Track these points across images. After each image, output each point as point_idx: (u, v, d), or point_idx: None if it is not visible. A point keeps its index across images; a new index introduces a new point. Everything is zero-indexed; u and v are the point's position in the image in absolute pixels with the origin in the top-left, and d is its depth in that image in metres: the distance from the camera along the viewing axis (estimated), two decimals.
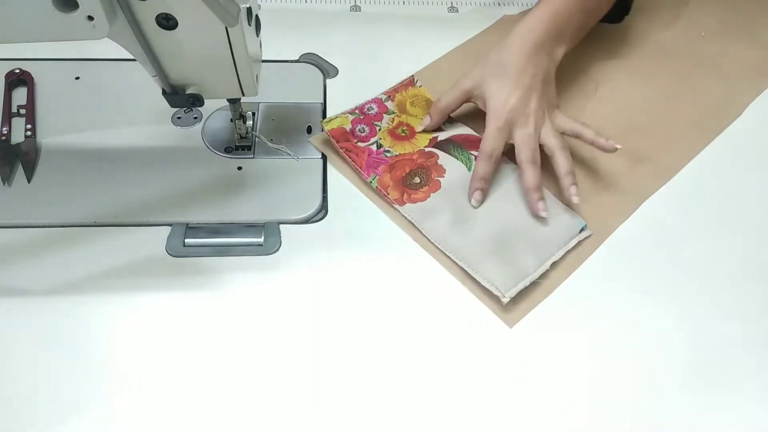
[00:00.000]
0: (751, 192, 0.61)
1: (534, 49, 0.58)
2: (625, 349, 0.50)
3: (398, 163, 0.59)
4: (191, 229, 0.54)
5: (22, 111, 0.61)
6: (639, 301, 0.52)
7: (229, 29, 0.46)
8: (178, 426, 0.44)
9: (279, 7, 0.76)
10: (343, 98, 0.65)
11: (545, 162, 0.56)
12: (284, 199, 0.57)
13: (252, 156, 0.60)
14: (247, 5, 0.47)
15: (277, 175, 0.59)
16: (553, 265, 0.53)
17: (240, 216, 0.55)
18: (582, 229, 0.55)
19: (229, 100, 0.56)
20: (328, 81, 0.68)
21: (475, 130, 0.62)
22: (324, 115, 0.64)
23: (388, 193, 0.57)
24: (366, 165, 0.59)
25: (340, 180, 0.59)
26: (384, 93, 0.65)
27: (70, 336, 0.48)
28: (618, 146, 0.56)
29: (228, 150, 0.60)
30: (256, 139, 0.61)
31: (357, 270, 0.53)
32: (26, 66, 0.65)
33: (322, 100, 0.66)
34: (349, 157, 0.59)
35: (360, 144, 0.60)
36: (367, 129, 0.62)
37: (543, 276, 0.52)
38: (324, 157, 0.61)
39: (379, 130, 0.62)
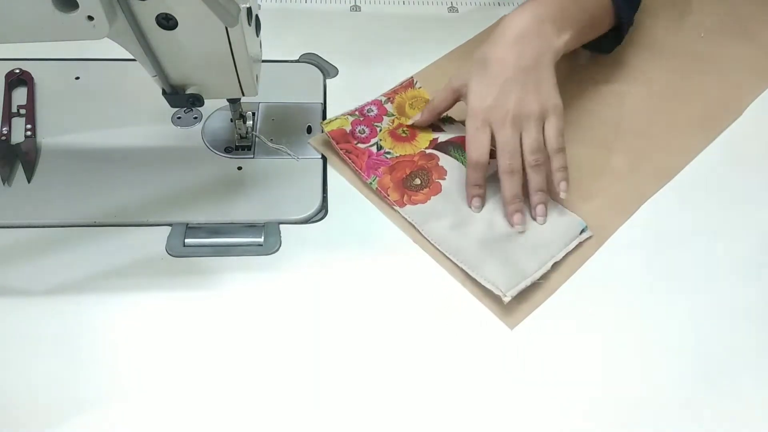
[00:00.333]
0: (752, 192, 0.61)
1: (516, 37, 0.54)
2: (627, 349, 0.50)
3: (399, 165, 0.59)
4: (191, 229, 0.54)
5: (22, 111, 0.61)
6: (640, 301, 0.52)
7: (229, 29, 0.46)
8: (178, 426, 0.44)
9: (279, 7, 0.76)
10: (343, 98, 0.65)
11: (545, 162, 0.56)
12: (284, 199, 0.57)
13: (252, 156, 0.60)
14: (247, 5, 0.47)
15: (277, 175, 0.59)
16: (554, 266, 0.53)
17: (240, 216, 0.55)
18: (582, 230, 0.55)
19: (229, 100, 0.56)
20: (328, 81, 0.68)
21: None
22: (324, 115, 0.64)
23: (388, 195, 0.57)
24: (366, 166, 0.59)
25: (340, 180, 0.59)
26: (383, 95, 0.65)
27: (70, 336, 0.48)
28: (562, 196, 0.54)
29: (228, 150, 0.60)
30: (256, 139, 0.61)
31: (357, 270, 0.53)
32: (26, 66, 0.65)
33: (322, 100, 0.66)
34: (349, 159, 0.59)
35: (360, 145, 0.60)
36: (367, 130, 0.62)
37: (544, 277, 0.52)
38: (324, 158, 0.61)
39: (380, 131, 0.62)
